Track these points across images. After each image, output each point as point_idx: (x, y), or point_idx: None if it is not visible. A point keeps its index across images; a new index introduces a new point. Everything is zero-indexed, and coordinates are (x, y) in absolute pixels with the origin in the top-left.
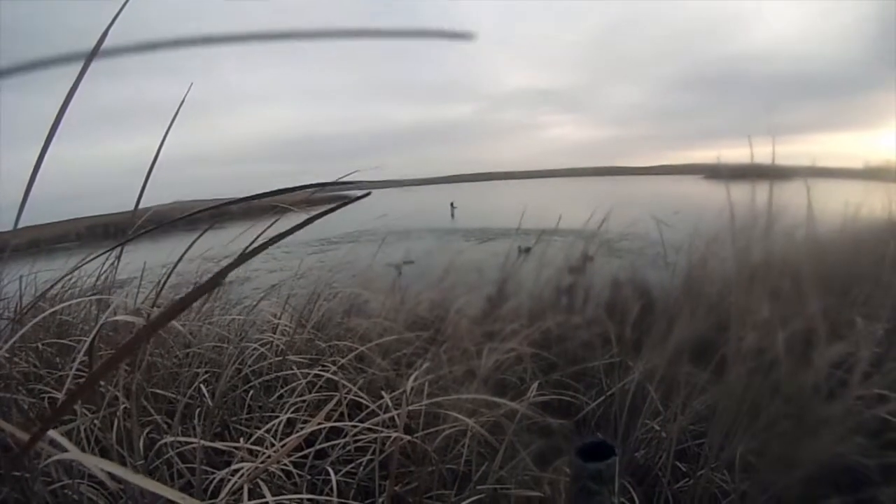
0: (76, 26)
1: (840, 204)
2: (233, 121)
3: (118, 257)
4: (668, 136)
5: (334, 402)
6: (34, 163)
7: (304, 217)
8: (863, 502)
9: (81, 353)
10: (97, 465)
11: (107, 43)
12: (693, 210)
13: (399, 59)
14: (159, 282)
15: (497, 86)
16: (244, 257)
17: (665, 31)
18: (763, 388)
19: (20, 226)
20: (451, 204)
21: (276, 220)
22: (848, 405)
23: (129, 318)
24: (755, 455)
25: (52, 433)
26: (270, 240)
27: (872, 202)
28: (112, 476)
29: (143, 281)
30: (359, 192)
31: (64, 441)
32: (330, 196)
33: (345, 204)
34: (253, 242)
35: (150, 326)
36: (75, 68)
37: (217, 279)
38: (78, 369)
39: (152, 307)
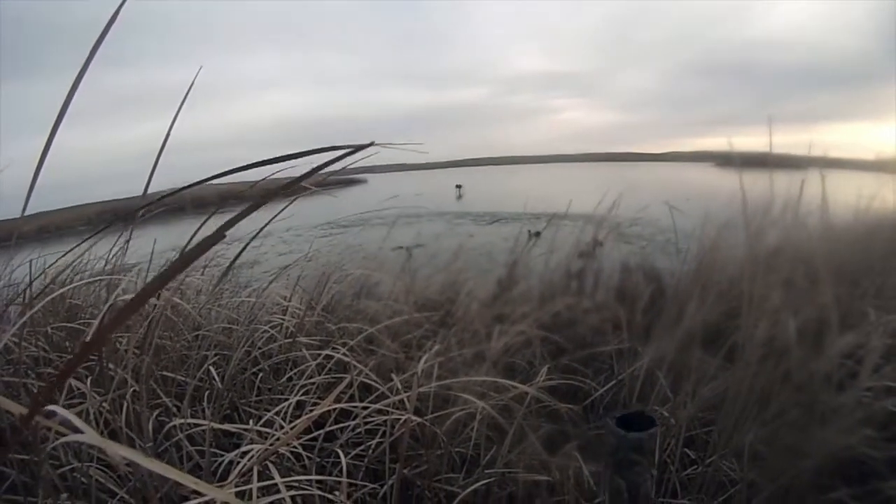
0: (80, 15)
1: (852, 194)
2: (240, 105)
3: (127, 241)
4: (679, 122)
5: (344, 384)
6: (41, 150)
7: (314, 200)
8: (870, 494)
9: (90, 336)
10: (114, 449)
11: None
12: (704, 197)
13: (410, 42)
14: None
15: (508, 69)
16: (245, 212)
17: (678, 16)
18: (773, 377)
19: (30, 212)
20: (458, 186)
21: (290, 203)
22: (857, 396)
23: None
24: (764, 444)
25: (66, 415)
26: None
27: (885, 193)
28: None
29: (151, 264)
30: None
31: (79, 423)
32: (339, 180)
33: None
34: (269, 223)
35: (151, 286)
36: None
37: (221, 231)
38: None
39: (160, 289)
